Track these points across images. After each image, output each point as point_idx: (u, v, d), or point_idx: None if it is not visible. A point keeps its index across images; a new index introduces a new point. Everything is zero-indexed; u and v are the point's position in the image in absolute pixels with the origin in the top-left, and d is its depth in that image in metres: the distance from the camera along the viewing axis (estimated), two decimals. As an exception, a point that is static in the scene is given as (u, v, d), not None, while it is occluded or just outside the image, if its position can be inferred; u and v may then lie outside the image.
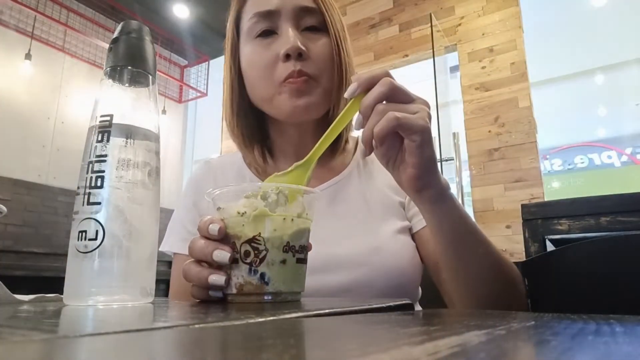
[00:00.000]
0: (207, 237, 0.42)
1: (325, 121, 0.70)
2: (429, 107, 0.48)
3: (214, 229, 0.41)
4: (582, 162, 5.60)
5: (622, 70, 4.95)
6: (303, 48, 0.65)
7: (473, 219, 0.55)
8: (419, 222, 0.69)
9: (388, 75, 0.47)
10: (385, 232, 0.67)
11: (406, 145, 0.47)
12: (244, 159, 0.78)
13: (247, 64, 0.70)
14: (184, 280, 0.44)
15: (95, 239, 0.38)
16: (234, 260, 0.41)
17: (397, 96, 0.46)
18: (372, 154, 0.52)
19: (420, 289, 0.72)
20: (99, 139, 0.40)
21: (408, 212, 0.71)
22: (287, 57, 0.64)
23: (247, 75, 0.71)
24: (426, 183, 0.49)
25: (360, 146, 0.50)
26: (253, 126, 0.75)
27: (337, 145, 0.73)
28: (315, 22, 0.68)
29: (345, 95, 0.48)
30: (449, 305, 0.64)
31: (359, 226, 0.68)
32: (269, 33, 0.68)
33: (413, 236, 0.70)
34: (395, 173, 0.51)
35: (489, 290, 0.56)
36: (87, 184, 0.39)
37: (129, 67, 0.43)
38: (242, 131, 0.74)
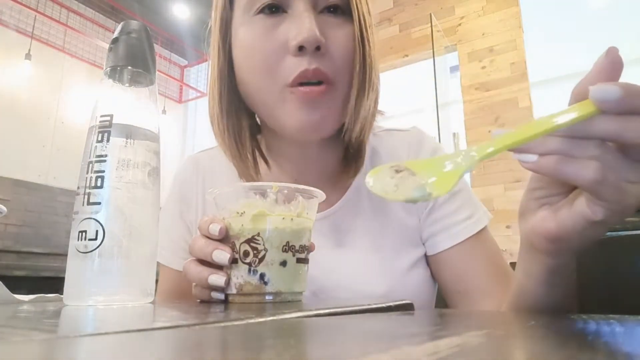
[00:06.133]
0: (208, 236, 0.42)
1: (336, 133, 0.56)
2: None
3: (214, 229, 0.41)
4: (582, 162, 5.60)
5: (622, 70, 4.95)
6: (322, 39, 0.49)
7: None
8: (439, 244, 0.57)
9: None
10: (398, 270, 0.57)
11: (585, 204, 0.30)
12: (237, 169, 0.60)
13: (242, 51, 0.54)
14: (170, 292, 0.41)
15: (95, 239, 0.38)
16: (233, 260, 0.41)
17: None
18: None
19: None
20: (99, 139, 0.40)
21: (423, 231, 0.59)
22: (301, 49, 0.49)
23: (240, 66, 0.55)
24: (566, 249, 0.35)
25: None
26: (245, 128, 0.59)
27: (359, 161, 0.57)
28: (337, 0, 0.52)
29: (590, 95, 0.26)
30: None
31: (368, 264, 0.57)
32: (275, 9, 0.52)
33: (428, 258, 0.59)
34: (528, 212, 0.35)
35: None
36: (87, 184, 0.39)
37: (129, 67, 0.43)
38: (235, 138, 0.58)
